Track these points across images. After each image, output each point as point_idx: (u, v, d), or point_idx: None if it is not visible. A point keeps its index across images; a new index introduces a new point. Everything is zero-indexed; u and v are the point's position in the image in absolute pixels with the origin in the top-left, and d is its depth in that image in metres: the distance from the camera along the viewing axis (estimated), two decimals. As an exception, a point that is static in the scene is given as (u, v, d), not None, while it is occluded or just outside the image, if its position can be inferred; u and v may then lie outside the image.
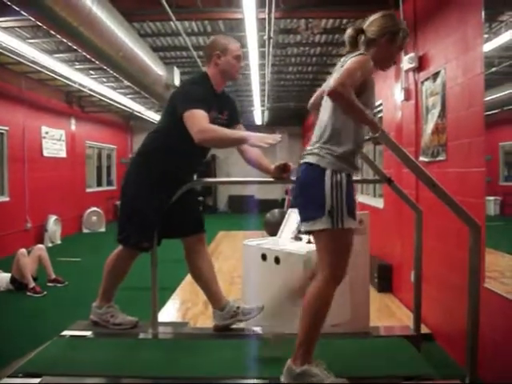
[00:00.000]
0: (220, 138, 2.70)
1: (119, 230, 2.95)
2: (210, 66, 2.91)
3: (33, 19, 4.31)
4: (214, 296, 3.07)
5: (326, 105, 2.28)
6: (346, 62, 2.20)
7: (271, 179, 2.86)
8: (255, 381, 2.36)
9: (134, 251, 2.95)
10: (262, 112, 13.65)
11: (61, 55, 7.88)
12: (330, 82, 2.18)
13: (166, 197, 2.86)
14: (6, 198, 8.72)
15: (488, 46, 3.30)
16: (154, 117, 13.50)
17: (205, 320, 4.51)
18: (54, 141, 10.64)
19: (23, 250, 5.92)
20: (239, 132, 2.85)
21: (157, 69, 7.07)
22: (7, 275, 5.90)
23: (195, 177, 3.37)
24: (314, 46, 7.91)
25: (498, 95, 3.47)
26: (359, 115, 2.13)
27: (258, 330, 3.10)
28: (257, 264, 3.59)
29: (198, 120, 2.63)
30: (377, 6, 5.54)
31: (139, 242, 2.90)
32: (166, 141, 2.83)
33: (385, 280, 5.57)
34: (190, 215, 3.08)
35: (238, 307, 3.02)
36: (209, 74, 2.90)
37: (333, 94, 2.07)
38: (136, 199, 2.88)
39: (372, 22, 2.33)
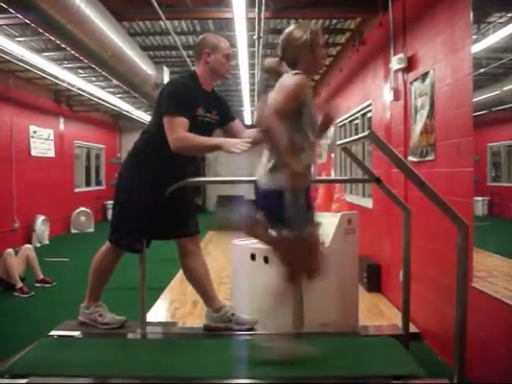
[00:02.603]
0: (194, 147, 2.74)
1: (111, 231, 2.95)
2: (199, 64, 2.91)
3: (21, 17, 4.28)
4: (208, 297, 3.07)
5: None
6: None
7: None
8: (244, 381, 2.36)
9: (122, 250, 2.95)
10: (252, 112, 13.64)
11: (49, 54, 7.83)
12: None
13: (159, 198, 2.85)
14: (-7, 198, 8.64)
15: (476, 47, 3.32)
16: (143, 116, 13.44)
17: (193, 320, 4.50)
18: (42, 140, 10.55)
19: (10, 250, 5.86)
20: (213, 139, 2.85)
21: (146, 68, 7.05)
22: (-6, 275, 5.84)
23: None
24: (304, 46, 7.91)
25: (486, 96, 3.49)
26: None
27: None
28: (246, 264, 3.58)
29: (176, 128, 2.67)
30: (366, 7, 5.64)
31: (131, 243, 2.91)
32: (157, 140, 2.81)
33: (374, 280, 5.59)
34: (184, 217, 3.07)
35: (233, 314, 3.01)
36: (198, 73, 2.90)
37: None
38: (128, 201, 2.88)
39: (285, 47, 2.40)
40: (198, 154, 3.05)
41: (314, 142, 2.39)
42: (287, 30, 2.43)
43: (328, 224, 3.42)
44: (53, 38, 4.96)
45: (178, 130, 2.66)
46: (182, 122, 2.68)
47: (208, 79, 2.91)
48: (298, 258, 2.35)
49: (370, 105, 6.19)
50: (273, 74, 2.41)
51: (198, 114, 2.79)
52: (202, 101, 2.82)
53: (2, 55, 6.91)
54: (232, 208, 2.52)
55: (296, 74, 2.29)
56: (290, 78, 2.28)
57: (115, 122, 15.83)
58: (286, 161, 2.17)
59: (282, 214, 2.22)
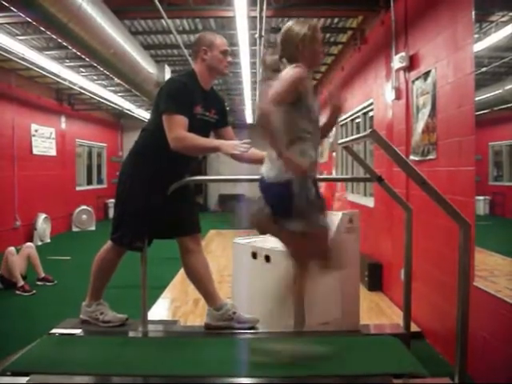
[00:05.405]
0: (193, 147, 2.74)
1: (113, 229, 2.94)
2: (196, 63, 2.91)
3: (23, 15, 4.28)
4: (209, 295, 3.06)
5: None
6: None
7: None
8: (245, 379, 2.35)
9: (124, 249, 2.95)
10: (254, 111, 13.63)
11: (51, 52, 7.85)
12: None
13: (160, 196, 2.85)
14: (-6, 196, 8.64)
15: (478, 46, 3.32)
16: (145, 115, 13.45)
17: (195, 318, 4.51)
18: (43, 139, 10.56)
19: (12, 249, 5.87)
20: (213, 141, 2.84)
21: (148, 67, 7.05)
22: (-4, 274, 5.85)
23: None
24: (306, 45, 7.91)
25: (488, 95, 3.49)
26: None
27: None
28: (247, 262, 3.58)
29: (175, 126, 2.67)
30: (367, 6, 5.64)
31: (133, 241, 2.90)
32: (157, 138, 2.80)
33: (375, 278, 5.59)
34: (186, 215, 3.05)
35: (234, 312, 3.00)
36: (196, 71, 2.90)
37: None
38: (130, 199, 2.87)
39: (284, 42, 2.41)
40: (196, 154, 3.05)
41: (313, 134, 2.37)
42: (286, 26, 2.44)
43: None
44: (54, 37, 4.97)
45: (177, 129, 2.66)
46: (181, 120, 2.68)
47: (207, 77, 2.90)
48: (313, 249, 2.34)
49: (371, 104, 6.19)
50: (272, 72, 2.41)
51: (196, 112, 2.79)
52: (200, 99, 2.82)
53: (4, 53, 6.92)
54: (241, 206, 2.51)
55: (296, 66, 2.30)
56: (290, 70, 2.28)
57: (117, 120, 15.85)
58: (286, 158, 2.17)
59: (290, 207, 2.21)
